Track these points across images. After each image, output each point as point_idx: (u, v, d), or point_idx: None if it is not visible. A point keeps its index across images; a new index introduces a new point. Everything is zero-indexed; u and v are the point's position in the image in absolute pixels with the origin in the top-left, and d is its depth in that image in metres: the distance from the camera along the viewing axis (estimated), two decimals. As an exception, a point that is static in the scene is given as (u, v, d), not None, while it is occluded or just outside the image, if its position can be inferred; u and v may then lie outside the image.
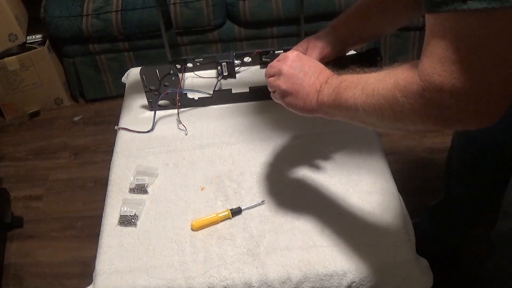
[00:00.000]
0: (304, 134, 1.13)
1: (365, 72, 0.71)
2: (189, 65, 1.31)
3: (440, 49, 0.53)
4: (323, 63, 0.89)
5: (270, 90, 0.86)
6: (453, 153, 1.31)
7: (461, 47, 0.52)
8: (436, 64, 0.54)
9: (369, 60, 0.95)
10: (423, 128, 0.62)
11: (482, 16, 0.49)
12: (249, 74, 1.32)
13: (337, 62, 0.94)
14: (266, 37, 2.20)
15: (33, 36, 2.26)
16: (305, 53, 0.94)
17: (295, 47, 0.97)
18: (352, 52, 1.03)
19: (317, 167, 1.07)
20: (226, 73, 1.29)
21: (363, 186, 1.02)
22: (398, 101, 0.60)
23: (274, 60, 0.86)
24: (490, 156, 1.18)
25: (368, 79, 0.68)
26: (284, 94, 0.82)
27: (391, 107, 0.62)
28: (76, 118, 2.34)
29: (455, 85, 0.53)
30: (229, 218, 0.98)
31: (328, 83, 0.77)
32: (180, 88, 1.20)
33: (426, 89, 0.56)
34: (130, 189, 1.06)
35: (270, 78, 0.84)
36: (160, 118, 1.22)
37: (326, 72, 0.80)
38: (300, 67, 0.81)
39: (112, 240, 0.97)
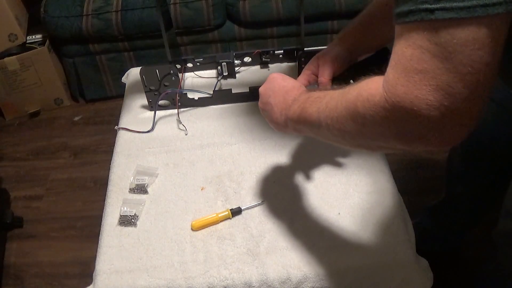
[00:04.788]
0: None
1: (340, 87, 0.70)
2: (189, 65, 1.31)
3: (405, 59, 0.52)
4: (336, 76, 0.93)
5: None
6: (454, 152, 1.31)
7: (426, 57, 0.50)
8: (400, 74, 0.52)
9: (381, 61, 0.96)
10: (384, 144, 0.60)
11: (449, 26, 0.48)
12: (249, 74, 1.32)
13: (350, 71, 0.95)
14: (266, 37, 2.21)
15: (33, 36, 2.26)
16: (317, 71, 0.96)
17: (307, 66, 0.99)
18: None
19: (317, 167, 1.07)
20: (226, 73, 1.29)
21: (363, 186, 1.02)
22: (359, 113, 0.58)
23: None
24: (491, 155, 1.18)
25: (333, 94, 0.66)
26: (262, 112, 0.86)
27: (353, 119, 0.60)
28: (76, 118, 2.34)
29: (417, 97, 0.50)
30: (229, 218, 0.98)
31: (296, 99, 0.77)
32: (180, 88, 1.20)
33: (388, 99, 0.53)
34: (130, 189, 1.06)
35: None
36: (160, 118, 1.22)
37: (294, 90, 0.80)
38: (272, 87, 0.84)
39: (112, 240, 0.97)
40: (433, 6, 0.48)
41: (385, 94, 0.54)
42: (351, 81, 0.94)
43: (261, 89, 0.86)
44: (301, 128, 0.76)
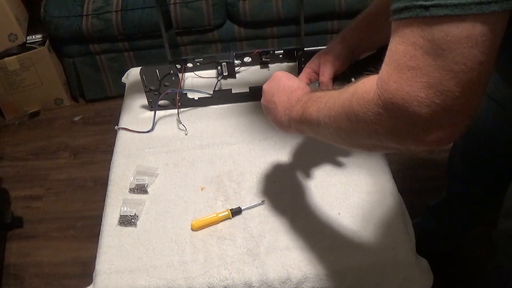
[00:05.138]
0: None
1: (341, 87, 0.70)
2: (189, 65, 1.31)
3: (398, 56, 0.52)
4: (337, 74, 0.93)
5: None
6: (454, 152, 1.31)
7: (418, 53, 0.50)
8: (393, 71, 0.52)
9: (380, 59, 0.95)
10: (378, 143, 0.59)
11: (443, 23, 0.48)
12: (249, 74, 1.32)
13: (351, 69, 0.95)
14: (266, 37, 2.20)
15: (33, 36, 2.26)
16: (318, 69, 0.96)
17: (308, 64, 0.98)
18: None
19: (317, 167, 1.07)
20: (226, 73, 1.29)
21: (363, 186, 1.02)
22: (354, 109, 0.58)
23: None
24: (492, 156, 1.18)
25: (333, 93, 0.67)
26: (265, 110, 0.86)
27: (347, 116, 0.60)
28: (76, 118, 2.34)
29: (409, 93, 0.50)
30: (229, 218, 0.98)
31: (299, 100, 0.77)
32: (180, 88, 1.20)
33: (381, 96, 0.53)
34: (130, 189, 1.06)
35: None
36: (160, 118, 1.22)
37: (299, 91, 0.81)
38: (277, 86, 0.83)
39: (112, 240, 0.97)
40: (428, 2, 0.48)
41: (378, 90, 0.54)
42: (352, 79, 0.93)
43: (265, 87, 0.86)
44: (303, 128, 0.76)
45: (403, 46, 0.51)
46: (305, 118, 0.73)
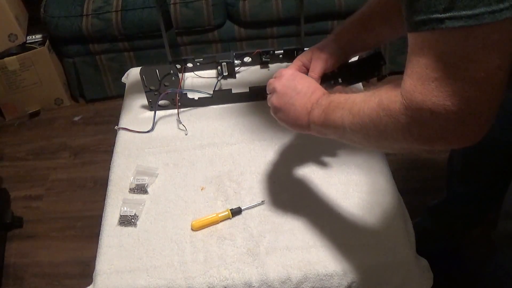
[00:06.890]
0: (304, 134, 1.13)
1: (353, 92, 0.73)
2: (189, 65, 1.31)
3: (420, 68, 0.54)
4: (327, 73, 0.93)
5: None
6: (455, 152, 1.31)
7: (440, 65, 0.52)
8: (416, 82, 0.54)
9: (373, 64, 0.95)
10: (407, 146, 0.62)
11: (460, 34, 0.49)
12: (249, 74, 1.32)
13: (341, 70, 0.94)
14: (266, 37, 2.20)
15: (33, 36, 2.26)
16: (309, 64, 0.95)
17: (299, 56, 0.97)
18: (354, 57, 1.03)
19: (317, 167, 1.07)
20: (226, 73, 1.29)
21: (363, 186, 1.02)
22: (382, 119, 0.61)
23: (273, 77, 0.88)
24: (492, 156, 1.18)
25: (355, 100, 0.69)
26: (276, 110, 0.84)
27: (375, 126, 0.63)
28: (76, 118, 2.34)
29: (435, 103, 0.53)
30: (229, 218, 0.98)
31: (319, 103, 0.78)
32: (180, 88, 1.21)
33: (408, 107, 0.56)
34: (130, 189, 1.06)
35: (268, 95, 0.87)
36: (160, 118, 1.22)
37: (318, 92, 0.81)
38: (294, 87, 0.82)
39: (112, 240, 0.97)
40: (443, 15, 0.49)
41: (404, 102, 0.56)
42: (340, 79, 0.93)
43: (278, 87, 0.83)
44: (326, 132, 0.77)
45: (423, 59, 0.53)
46: (328, 124, 0.74)
